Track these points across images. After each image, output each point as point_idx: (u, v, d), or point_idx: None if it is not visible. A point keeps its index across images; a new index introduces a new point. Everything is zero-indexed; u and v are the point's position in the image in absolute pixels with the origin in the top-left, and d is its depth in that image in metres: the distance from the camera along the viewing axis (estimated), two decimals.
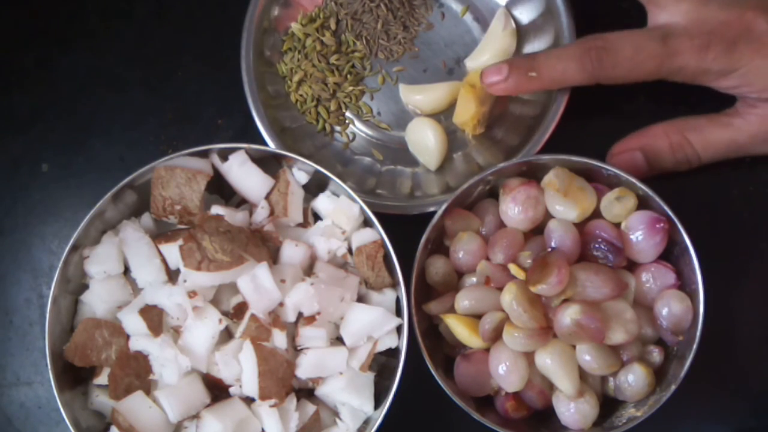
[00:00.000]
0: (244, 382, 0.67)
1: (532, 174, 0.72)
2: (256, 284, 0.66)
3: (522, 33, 0.81)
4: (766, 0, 0.70)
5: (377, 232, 0.70)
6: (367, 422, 0.69)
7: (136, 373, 0.68)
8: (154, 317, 0.67)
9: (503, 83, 0.73)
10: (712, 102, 0.79)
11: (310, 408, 0.69)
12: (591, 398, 0.68)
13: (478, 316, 0.69)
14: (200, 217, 0.69)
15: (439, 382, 0.68)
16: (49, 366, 0.67)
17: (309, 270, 0.70)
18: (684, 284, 0.69)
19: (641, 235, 0.68)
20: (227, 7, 0.82)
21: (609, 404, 0.70)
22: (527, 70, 0.72)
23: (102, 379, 0.69)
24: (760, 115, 0.70)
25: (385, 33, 0.83)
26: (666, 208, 0.68)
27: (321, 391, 0.69)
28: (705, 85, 0.72)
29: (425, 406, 0.73)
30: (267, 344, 0.67)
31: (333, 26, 0.83)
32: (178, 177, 0.70)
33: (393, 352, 0.70)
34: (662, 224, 0.68)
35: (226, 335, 0.69)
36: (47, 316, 0.68)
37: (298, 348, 0.68)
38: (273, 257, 0.69)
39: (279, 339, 0.67)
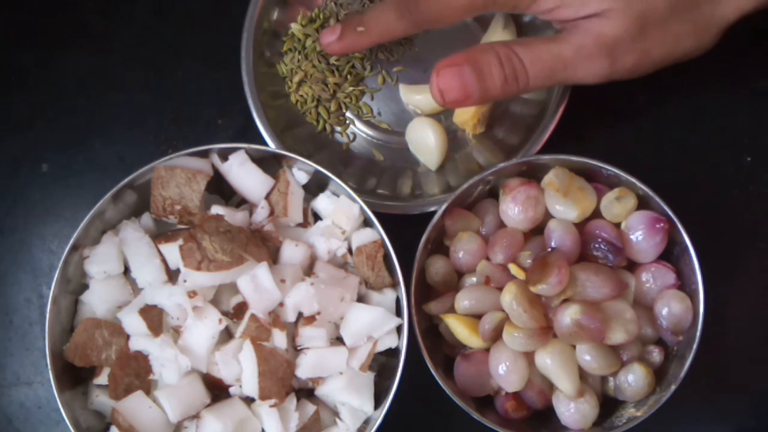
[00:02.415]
0: (244, 382, 0.67)
1: (532, 174, 0.72)
2: (256, 284, 0.66)
3: (522, 33, 0.81)
4: None
5: (377, 232, 0.70)
6: (367, 422, 0.69)
7: (136, 373, 0.68)
8: (154, 317, 0.67)
9: (338, 43, 0.75)
10: (711, 96, 0.79)
11: (310, 408, 0.69)
12: (591, 398, 0.68)
13: (478, 316, 0.69)
14: (200, 217, 0.69)
15: (439, 382, 0.68)
16: (49, 366, 0.67)
17: (309, 270, 0.70)
18: (684, 284, 0.69)
19: (641, 235, 0.68)
20: (227, 7, 0.82)
21: (609, 404, 0.70)
22: (356, 26, 0.74)
23: (102, 379, 0.69)
24: (583, 29, 0.70)
25: None
26: (666, 208, 0.68)
27: (321, 391, 0.69)
28: (525, 12, 0.72)
29: (425, 406, 0.73)
30: (267, 344, 0.67)
31: None
32: (178, 177, 0.70)
33: (393, 352, 0.70)
34: (662, 224, 0.68)
35: (226, 335, 0.69)
36: (47, 316, 0.68)
37: (298, 348, 0.68)
38: (273, 257, 0.69)
39: (279, 339, 0.67)
